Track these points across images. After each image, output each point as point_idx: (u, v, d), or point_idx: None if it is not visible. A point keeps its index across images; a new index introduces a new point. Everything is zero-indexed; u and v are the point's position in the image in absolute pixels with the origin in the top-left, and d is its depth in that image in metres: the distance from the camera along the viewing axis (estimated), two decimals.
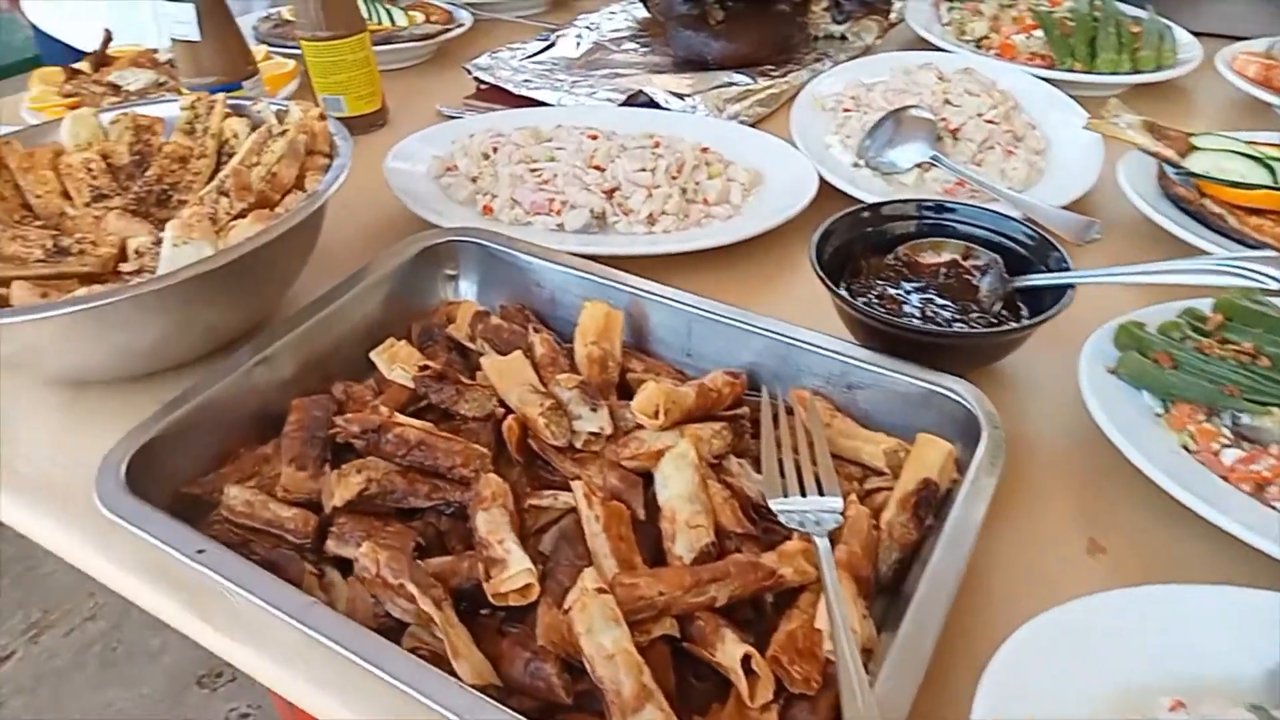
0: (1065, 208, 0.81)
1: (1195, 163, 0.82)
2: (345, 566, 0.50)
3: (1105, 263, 0.79)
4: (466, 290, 0.73)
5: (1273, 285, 0.58)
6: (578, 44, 1.23)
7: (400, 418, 0.54)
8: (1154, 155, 0.84)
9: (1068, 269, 0.66)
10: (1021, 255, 0.71)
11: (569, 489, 0.53)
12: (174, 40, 0.89)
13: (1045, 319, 0.62)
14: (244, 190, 0.65)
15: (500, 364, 0.61)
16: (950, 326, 0.66)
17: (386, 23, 1.25)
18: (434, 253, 0.72)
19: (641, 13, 1.34)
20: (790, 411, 0.60)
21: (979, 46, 1.15)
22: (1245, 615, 0.45)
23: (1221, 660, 0.44)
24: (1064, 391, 0.63)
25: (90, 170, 0.73)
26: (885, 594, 0.51)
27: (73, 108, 1.03)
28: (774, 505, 0.53)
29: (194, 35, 0.88)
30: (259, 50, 1.17)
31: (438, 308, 0.71)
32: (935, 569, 0.47)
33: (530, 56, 1.18)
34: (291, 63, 1.12)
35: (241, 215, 0.66)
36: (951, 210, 0.74)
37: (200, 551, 0.46)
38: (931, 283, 0.71)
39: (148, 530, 0.47)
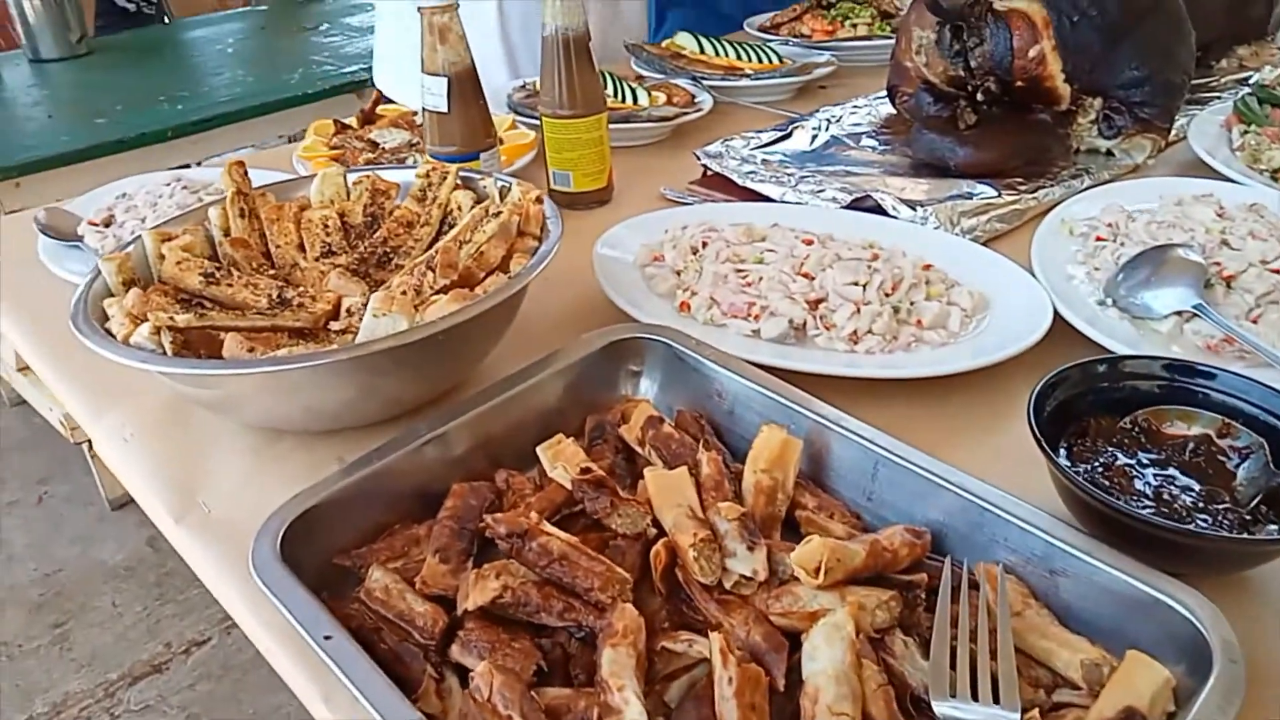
0: None
1: None
2: (466, 673, 0.49)
3: None
4: (647, 389, 0.71)
5: None
6: (814, 137, 1.21)
7: (547, 526, 0.53)
8: None
9: None
10: None
11: (708, 635, 0.49)
12: (424, 109, 0.96)
13: None
14: (449, 268, 0.67)
15: (661, 479, 0.58)
16: (1190, 518, 0.56)
17: (630, 101, 1.29)
18: (620, 347, 0.71)
19: (887, 109, 1.29)
20: (975, 587, 0.53)
21: (1275, 179, 1.00)
22: None
23: None
24: None
25: (326, 227, 0.79)
26: None
27: (336, 159, 1.14)
28: (936, 706, 0.45)
29: (442, 107, 0.94)
30: (505, 119, 1.24)
31: (616, 403, 0.70)
32: None
33: (762, 146, 1.16)
34: (532, 134, 1.17)
35: (445, 290, 0.68)
36: (1211, 376, 0.63)
37: (327, 638, 0.45)
38: (1174, 458, 0.60)
39: (286, 604, 0.47)
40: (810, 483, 0.62)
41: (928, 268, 0.83)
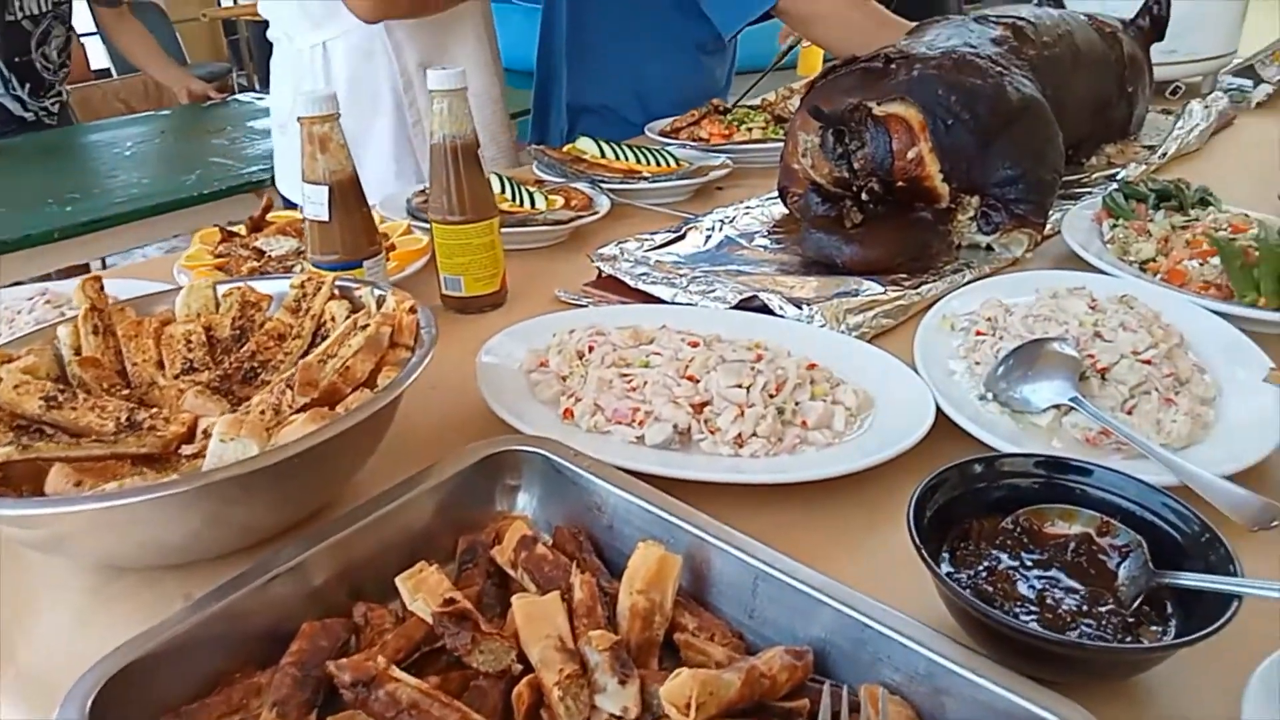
0: (1235, 475, 0.68)
1: None
2: None
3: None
4: (526, 504, 0.68)
5: None
6: (708, 237, 1.22)
7: (396, 672, 0.48)
8: None
9: (1233, 570, 0.54)
10: (1173, 539, 0.58)
11: None
12: (306, 219, 0.94)
13: (1198, 639, 0.50)
14: (308, 385, 0.64)
15: (530, 607, 0.54)
16: (1075, 623, 0.55)
17: (526, 205, 1.29)
18: (497, 461, 0.67)
19: (779, 208, 1.31)
20: (858, 710, 0.50)
21: (1144, 269, 1.04)
22: None
23: None
24: None
25: (189, 342, 0.75)
26: None
27: (220, 267, 1.10)
28: None
29: (324, 215, 0.92)
30: (400, 224, 1.22)
31: (492, 521, 0.66)
32: None
33: (656, 247, 1.17)
34: (426, 239, 1.15)
35: (305, 409, 0.64)
36: (1087, 473, 0.63)
37: None
38: (1057, 559, 0.60)
39: None
40: (690, 601, 0.59)
41: (812, 367, 0.82)
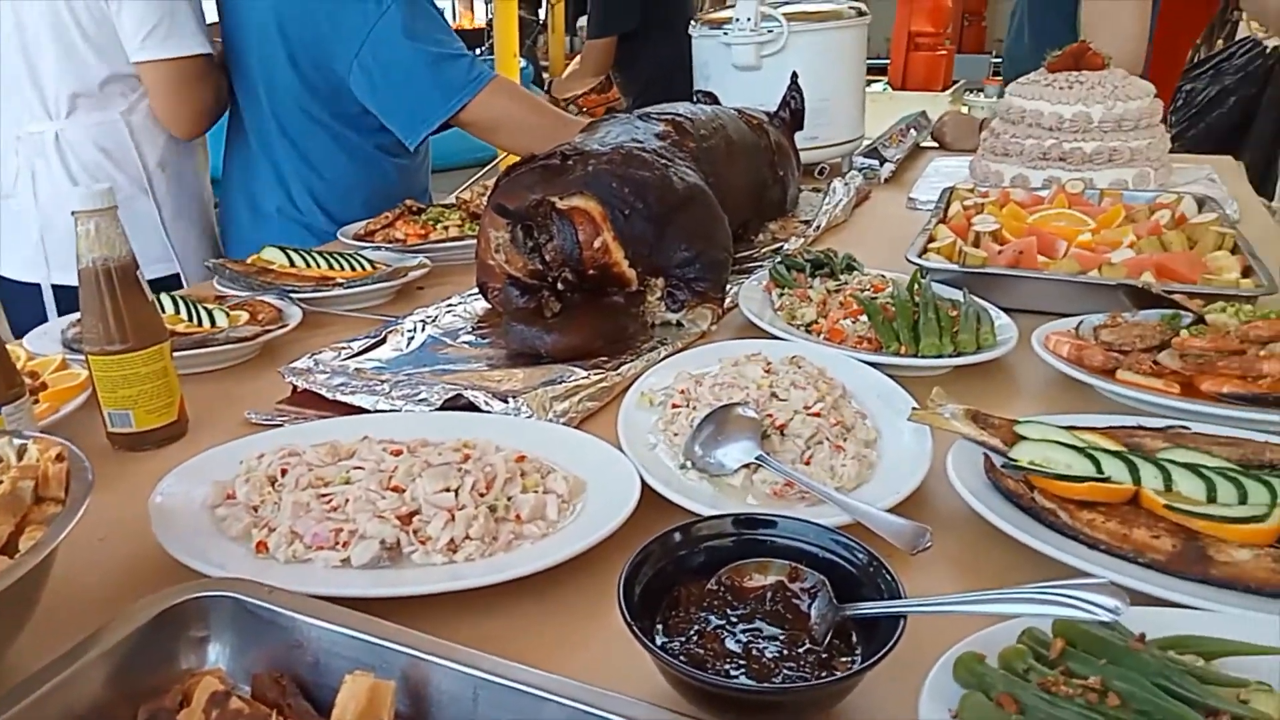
0: (898, 506, 0.77)
1: (1021, 453, 0.80)
2: None
3: (942, 573, 0.74)
4: (217, 656, 0.61)
5: (1105, 616, 0.53)
6: (410, 339, 1.20)
7: None
8: (980, 445, 0.82)
9: (898, 592, 0.60)
10: (851, 574, 0.64)
11: None
12: None
13: (875, 662, 0.55)
14: None
15: None
16: (778, 668, 0.58)
17: (205, 324, 1.20)
18: (177, 613, 0.60)
19: (481, 304, 1.33)
20: None
21: (809, 331, 1.17)
22: None
23: None
24: None
25: None
26: None
27: None
28: None
29: None
30: (54, 359, 1.09)
31: (178, 681, 0.59)
32: None
33: (354, 355, 1.13)
34: (84, 373, 1.03)
35: None
36: (772, 524, 0.68)
37: None
38: (758, 610, 0.63)
39: None
40: None
41: (522, 459, 0.83)
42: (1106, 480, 0.76)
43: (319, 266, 1.45)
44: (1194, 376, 0.96)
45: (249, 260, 1.49)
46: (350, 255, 1.48)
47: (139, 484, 0.83)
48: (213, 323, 1.20)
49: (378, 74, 1.66)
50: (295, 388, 1.05)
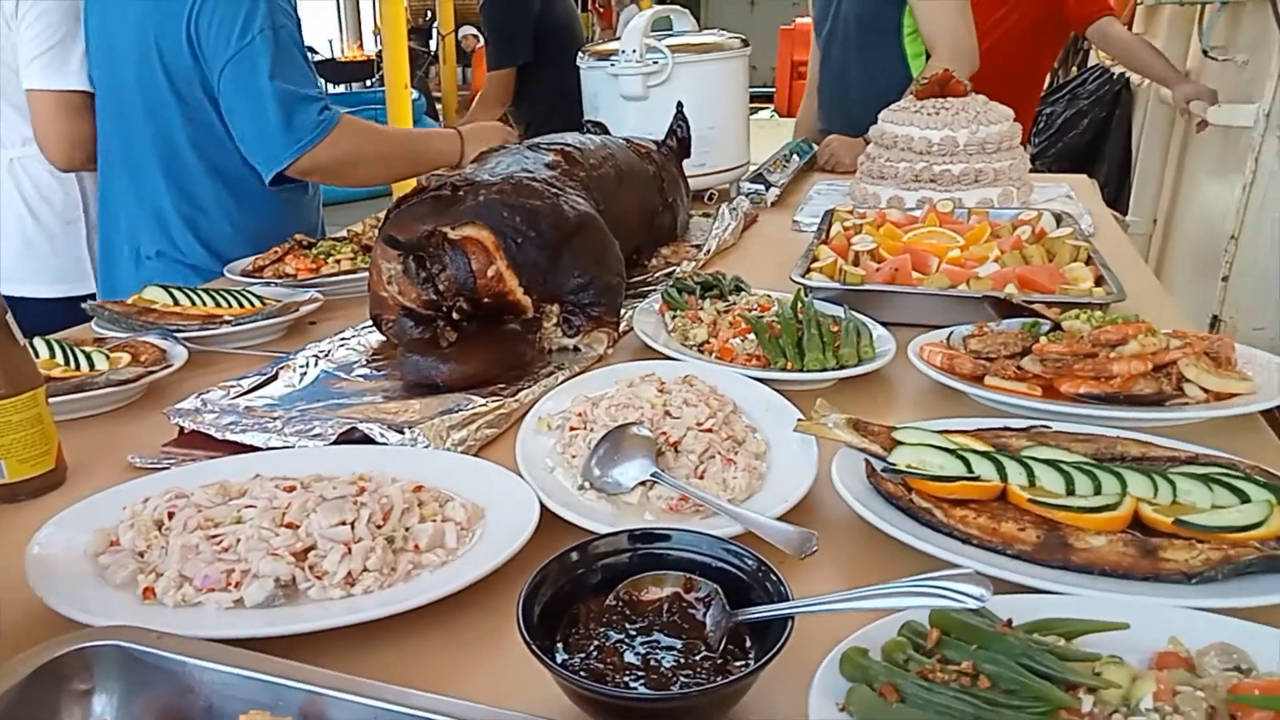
0: (787, 514, 0.81)
1: (899, 457, 0.85)
2: None
3: (828, 573, 0.78)
4: (104, 708, 0.59)
5: (971, 604, 0.57)
6: (302, 375, 1.18)
7: None
8: (861, 451, 0.87)
9: (786, 595, 0.63)
10: (743, 580, 0.67)
11: None
12: None
13: (765, 663, 0.57)
14: None
15: None
16: (676, 677, 0.60)
17: (83, 368, 1.15)
18: (57, 667, 0.58)
19: (376, 337, 1.32)
20: None
21: (702, 351, 1.20)
22: None
23: None
24: None
25: None
26: None
27: None
28: None
29: None
30: None
31: None
32: None
33: (244, 394, 1.10)
34: None
35: None
36: (666, 538, 0.70)
37: None
38: (655, 622, 0.65)
39: None
40: None
41: (419, 489, 0.83)
42: (977, 479, 0.81)
43: (205, 304, 1.42)
44: (1053, 379, 1.03)
45: (129, 300, 1.44)
46: (238, 291, 1.45)
47: (15, 537, 0.79)
48: (91, 366, 1.15)
49: (234, 101, 1.69)
50: (182, 429, 1.02)
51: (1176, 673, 0.58)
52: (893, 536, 0.76)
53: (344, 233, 1.88)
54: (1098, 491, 0.79)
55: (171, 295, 1.43)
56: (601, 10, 8.80)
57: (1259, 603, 0.66)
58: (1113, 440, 0.89)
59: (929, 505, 0.79)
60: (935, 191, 1.90)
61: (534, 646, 0.59)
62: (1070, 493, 0.80)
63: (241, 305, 1.42)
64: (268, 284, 1.57)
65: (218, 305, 1.42)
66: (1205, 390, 0.99)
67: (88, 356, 1.17)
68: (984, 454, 0.84)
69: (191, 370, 1.22)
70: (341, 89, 10.38)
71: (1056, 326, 1.11)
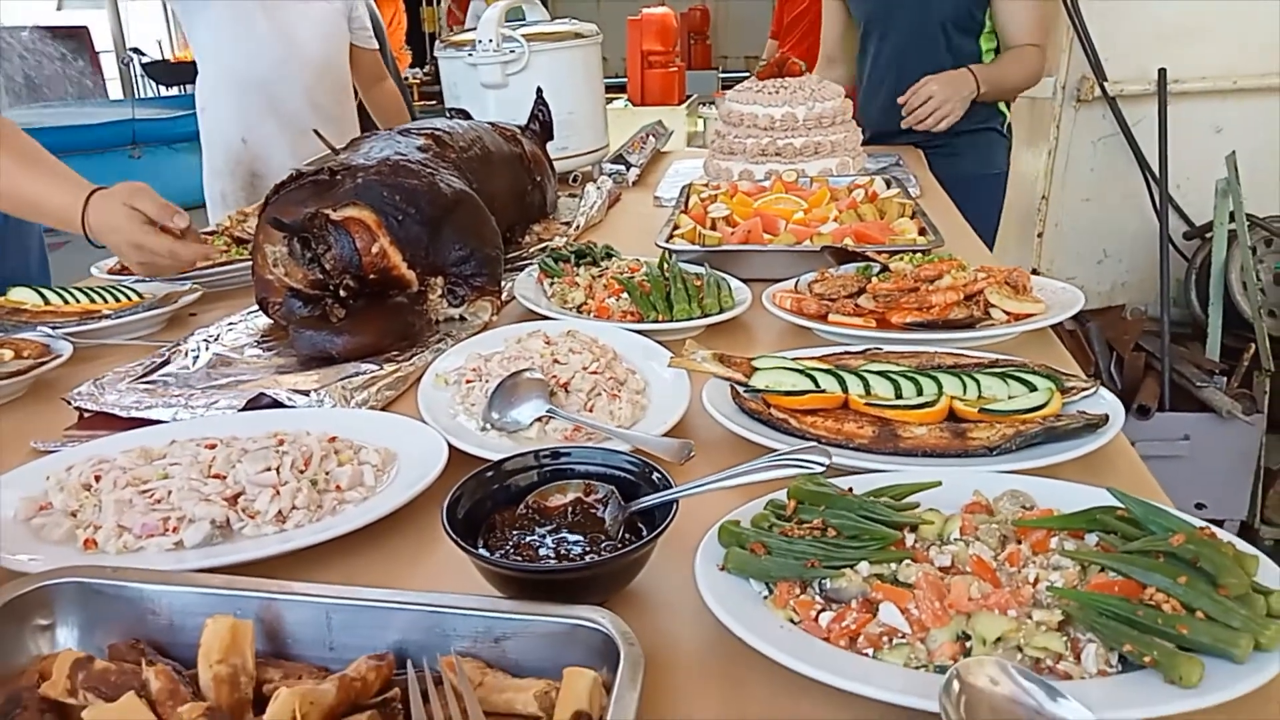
0: (666, 434, 0.93)
1: (758, 380, 0.98)
2: None
3: (705, 473, 0.90)
4: (66, 639, 0.65)
5: (818, 469, 0.70)
6: (195, 358, 1.22)
7: None
8: (727, 379, 1.00)
9: (669, 485, 0.75)
10: (633, 481, 0.78)
11: None
12: None
13: (657, 535, 0.69)
14: None
15: (105, 713, 0.54)
16: (582, 558, 0.71)
17: None
18: (19, 605, 0.64)
19: (263, 321, 1.36)
20: (440, 682, 0.59)
21: (580, 312, 1.31)
22: None
23: None
24: (691, 597, 0.69)
25: None
26: None
27: None
28: None
29: None
30: None
31: (30, 667, 0.62)
32: None
33: (140, 378, 1.14)
34: None
35: None
36: (567, 454, 0.81)
37: None
38: (562, 523, 0.76)
39: None
40: (272, 658, 0.63)
41: (333, 440, 0.90)
42: (822, 391, 0.96)
43: (79, 302, 1.42)
44: (885, 313, 1.20)
45: None
46: (112, 287, 1.45)
47: None
48: None
49: None
50: (82, 414, 1.05)
51: (979, 515, 0.74)
52: (756, 443, 0.90)
53: (213, 226, 1.88)
54: (920, 393, 0.95)
55: (41, 295, 1.42)
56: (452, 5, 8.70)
57: (1041, 463, 0.83)
58: (931, 355, 1.05)
59: (785, 416, 0.93)
60: (781, 164, 2.07)
61: (459, 540, 0.68)
62: (898, 396, 0.95)
63: (118, 300, 1.43)
64: (142, 280, 1.57)
65: (93, 301, 1.42)
66: (1007, 313, 1.18)
67: None
68: (828, 371, 0.99)
69: (77, 364, 1.23)
70: (175, 91, 9.88)
71: (885, 268, 1.28)
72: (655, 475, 0.76)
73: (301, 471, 0.83)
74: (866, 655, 0.61)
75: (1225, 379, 2.81)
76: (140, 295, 1.45)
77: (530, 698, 0.58)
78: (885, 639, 0.62)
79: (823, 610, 0.65)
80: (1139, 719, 0.55)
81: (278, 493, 0.80)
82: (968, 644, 0.61)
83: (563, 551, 0.72)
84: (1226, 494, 2.75)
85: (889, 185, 1.84)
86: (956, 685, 0.53)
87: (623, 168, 2.35)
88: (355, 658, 0.62)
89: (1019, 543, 0.70)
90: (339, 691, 0.56)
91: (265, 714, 0.52)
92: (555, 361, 1.04)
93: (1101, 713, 0.53)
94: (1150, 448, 2.62)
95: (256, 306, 1.34)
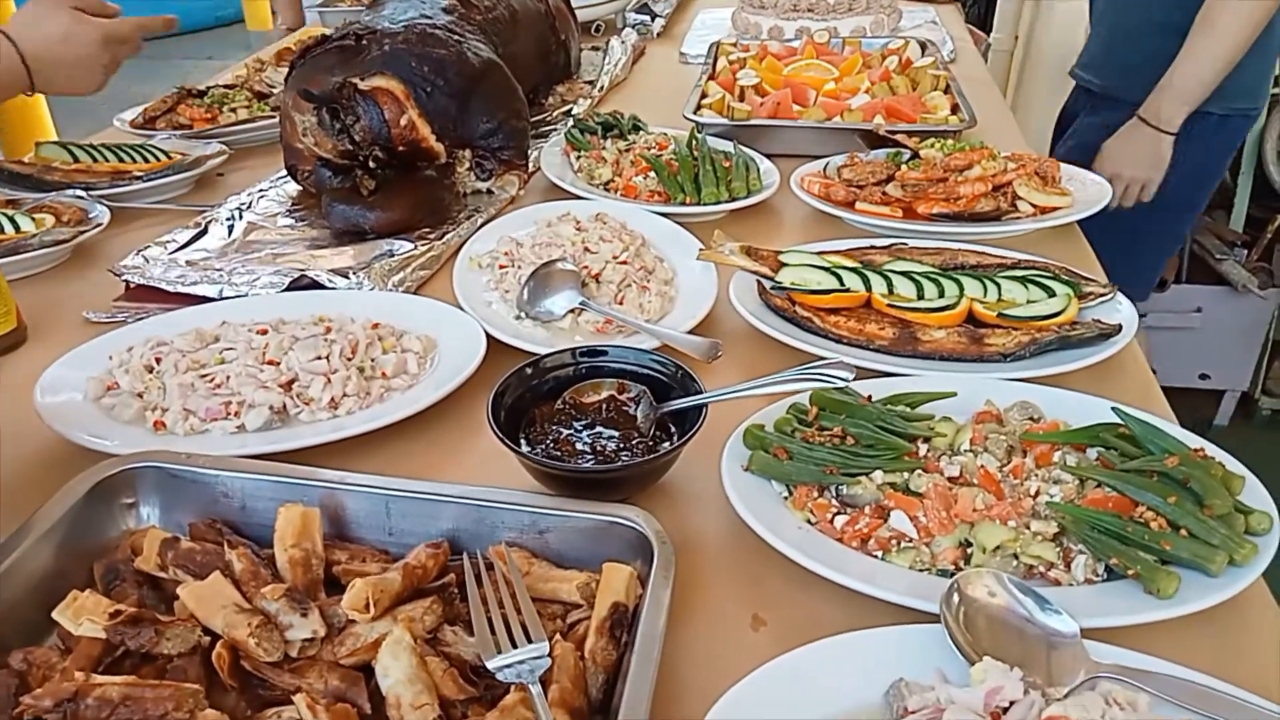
0: (695, 329, 0.96)
1: (785, 276, 1.01)
2: None
3: (732, 373, 0.95)
4: (149, 516, 0.72)
5: (839, 384, 0.74)
6: (230, 228, 1.24)
7: (97, 677, 0.53)
8: (754, 273, 1.03)
9: (700, 390, 0.79)
10: (665, 382, 0.83)
11: (292, 702, 0.55)
12: None
13: (687, 440, 0.74)
14: None
15: (198, 590, 0.61)
16: (617, 457, 0.77)
17: (11, 230, 1.18)
18: (106, 486, 0.70)
19: (293, 187, 1.37)
20: (491, 568, 0.66)
21: (607, 189, 1.31)
22: (863, 654, 0.58)
23: (854, 695, 0.56)
24: (717, 495, 0.75)
25: None
26: (601, 714, 0.59)
27: None
28: (490, 665, 0.58)
29: None
30: None
31: (120, 542, 0.69)
32: (632, 683, 0.55)
33: (182, 248, 1.17)
34: None
35: None
36: (604, 353, 0.85)
37: None
38: (597, 419, 0.81)
39: None
40: (338, 540, 0.70)
41: (376, 326, 0.94)
42: (847, 290, 0.98)
43: (108, 160, 1.42)
44: (912, 202, 1.20)
45: (27, 159, 1.43)
46: (139, 147, 1.45)
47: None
48: (16, 228, 1.18)
49: None
50: (128, 285, 1.09)
51: (988, 425, 0.78)
52: (781, 341, 0.93)
53: (230, 78, 1.85)
54: (941, 295, 0.98)
55: (70, 153, 1.43)
56: None
57: (1052, 371, 0.87)
58: (955, 252, 1.07)
59: (809, 314, 0.97)
60: (812, 21, 2.00)
61: (503, 437, 0.74)
62: (920, 297, 0.98)
63: (147, 160, 1.43)
64: (168, 136, 1.56)
65: (121, 161, 1.43)
66: (1034, 206, 1.18)
67: (11, 219, 1.19)
68: (853, 269, 1.01)
69: (113, 229, 1.26)
70: None
71: (915, 155, 1.28)
72: (687, 379, 0.80)
73: (349, 359, 0.88)
74: (876, 557, 0.68)
75: (1246, 251, 2.80)
76: (168, 155, 1.45)
77: (573, 588, 0.65)
78: (894, 542, 0.68)
79: (838, 513, 0.70)
80: (1118, 625, 0.61)
81: (329, 380, 0.85)
82: (969, 550, 0.68)
83: (599, 447, 0.78)
84: (1231, 365, 2.80)
85: (924, 50, 1.78)
86: (956, 597, 0.60)
87: (647, 18, 2.27)
88: (412, 542, 0.69)
89: (1024, 455, 0.75)
90: (404, 579, 0.62)
91: (341, 600, 0.59)
92: (586, 250, 1.07)
93: (1085, 620, 0.60)
94: (1162, 319, 2.65)
95: (284, 171, 1.35)
